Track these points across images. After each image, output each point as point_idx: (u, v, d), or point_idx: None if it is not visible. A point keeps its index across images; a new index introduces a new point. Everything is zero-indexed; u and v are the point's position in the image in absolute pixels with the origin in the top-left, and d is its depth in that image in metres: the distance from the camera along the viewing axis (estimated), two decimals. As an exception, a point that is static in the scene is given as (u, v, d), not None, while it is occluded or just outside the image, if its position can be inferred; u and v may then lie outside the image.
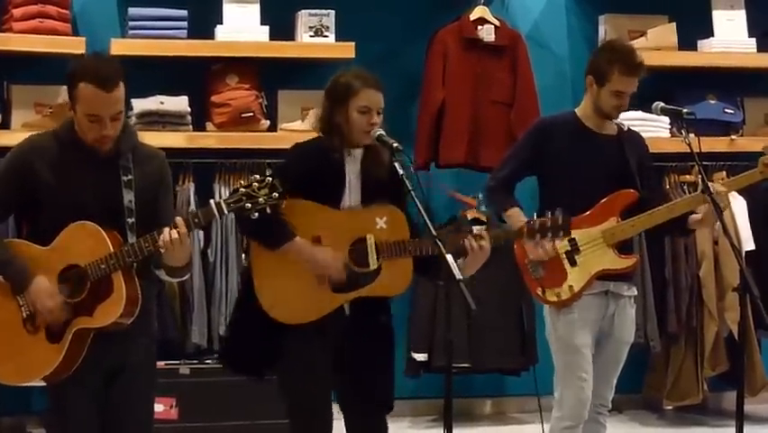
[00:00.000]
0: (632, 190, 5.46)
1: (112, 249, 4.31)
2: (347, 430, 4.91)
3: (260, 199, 4.25)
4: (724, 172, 7.64)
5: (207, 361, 7.17)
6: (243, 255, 4.88)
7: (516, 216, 5.49)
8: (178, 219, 4.30)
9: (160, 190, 4.53)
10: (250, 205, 4.26)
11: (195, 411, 6.98)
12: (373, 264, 4.74)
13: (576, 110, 5.60)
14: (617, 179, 5.47)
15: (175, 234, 4.25)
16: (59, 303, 4.33)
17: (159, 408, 6.68)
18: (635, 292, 5.66)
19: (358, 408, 4.90)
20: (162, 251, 4.28)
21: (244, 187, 4.28)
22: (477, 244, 4.72)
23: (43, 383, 4.44)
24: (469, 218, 7.57)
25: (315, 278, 4.74)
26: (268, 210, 4.28)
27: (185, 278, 4.63)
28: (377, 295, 4.80)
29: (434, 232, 4.49)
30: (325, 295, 4.76)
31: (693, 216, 5.49)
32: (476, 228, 7.42)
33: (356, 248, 4.76)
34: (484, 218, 7.51)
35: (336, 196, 4.80)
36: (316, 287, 4.75)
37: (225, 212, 4.30)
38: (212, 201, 4.33)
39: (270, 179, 4.27)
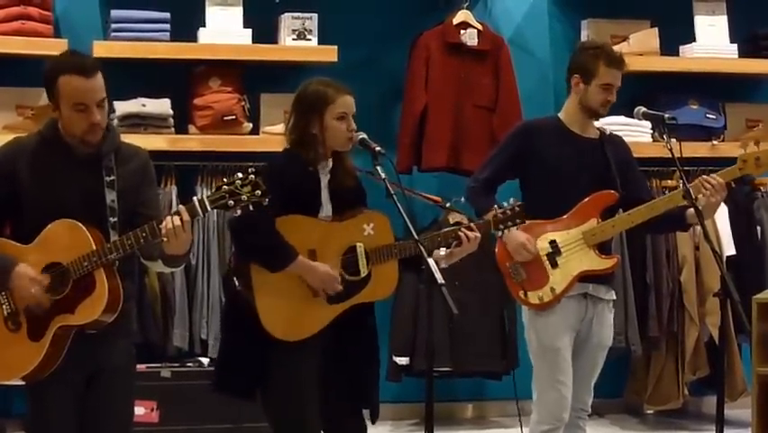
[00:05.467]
0: (611, 191, 5.48)
1: (94, 246, 4.29)
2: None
3: (243, 197, 4.24)
4: (705, 178, 7.67)
5: (188, 364, 7.17)
6: (235, 278, 4.85)
7: None
8: (182, 207, 4.29)
9: (142, 187, 4.51)
10: (233, 202, 4.25)
11: (176, 415, 6.97)
12: (364, 271, 4.78)
13: (559, 114, 5.62)
14: (599, 181, 5.48)
15: (177, 220, 4.25)
16: (43, 287, 4.30)
17: (140, 411, 6.69)
18: (614, 297, 5.66)
19: (340, 413, 4.89)
20: (165, 239, 4.27)
21: (227, 184, 4.27)
22: (472, 234, 4.83)
23: (23, 383, 4.41)
24: (451, 222, 7.56)
25: (309, 292, 4.75)
26: (250, 207, 4.27)
27: (180, 267, 4.62)
28: (367, 301, 4.83)
29: (416, 236, 4.52)
30: (322, 308, 4.78)
31: (690, 209, 5.45)
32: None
33: (347, 257, 4.80)
34: (465, 221, 7.49)
35: (314, 209, 4.81)
36: (312, 301, 4.76)
37: (208, 209, 4.29)
38: (195, 198, 4.32)
39: (254, 176, 4.26)
